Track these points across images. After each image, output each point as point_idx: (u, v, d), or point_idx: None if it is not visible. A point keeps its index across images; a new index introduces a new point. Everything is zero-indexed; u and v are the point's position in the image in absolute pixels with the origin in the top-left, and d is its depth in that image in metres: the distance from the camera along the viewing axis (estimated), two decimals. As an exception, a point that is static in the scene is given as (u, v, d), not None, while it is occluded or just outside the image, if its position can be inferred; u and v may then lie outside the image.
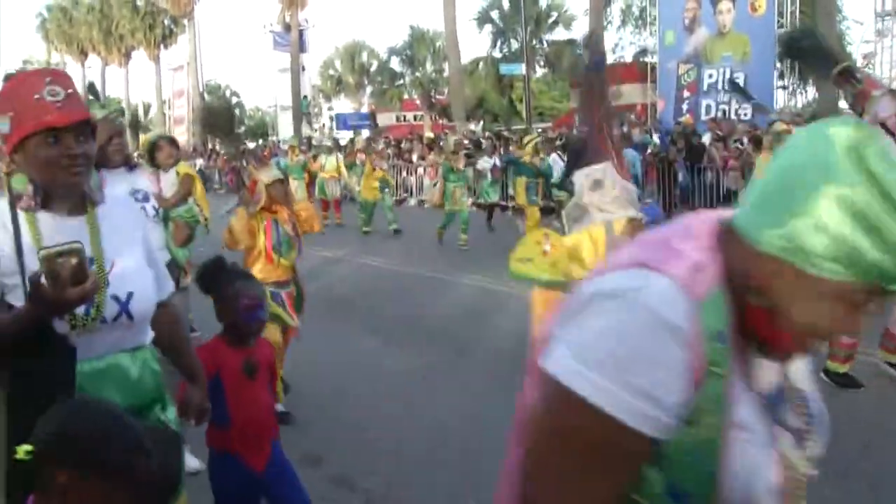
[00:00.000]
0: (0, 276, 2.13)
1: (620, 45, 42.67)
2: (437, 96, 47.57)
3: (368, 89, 52.83)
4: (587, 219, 3.04)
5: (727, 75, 21.91)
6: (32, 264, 2.01)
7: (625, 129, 18.44)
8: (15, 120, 2.12)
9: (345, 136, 35.65)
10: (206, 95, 47.89)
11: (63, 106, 2.12)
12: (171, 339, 2.54)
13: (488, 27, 44.79)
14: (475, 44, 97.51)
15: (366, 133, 38.03)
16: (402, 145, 26.22)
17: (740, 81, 21.20)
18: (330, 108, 52.69)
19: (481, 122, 43.70)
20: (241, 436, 3.05)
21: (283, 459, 3.23)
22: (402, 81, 50.51)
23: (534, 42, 42.38)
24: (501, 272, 10.59)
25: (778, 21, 21.50)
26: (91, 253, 2.16)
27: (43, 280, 1.88)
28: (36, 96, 2.11)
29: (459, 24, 36.73)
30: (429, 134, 31.51)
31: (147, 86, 55.22)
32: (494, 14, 44.47)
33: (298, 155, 19.04)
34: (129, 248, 2.32)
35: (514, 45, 43.64)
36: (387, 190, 16.46)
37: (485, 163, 17.03)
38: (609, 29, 37.32)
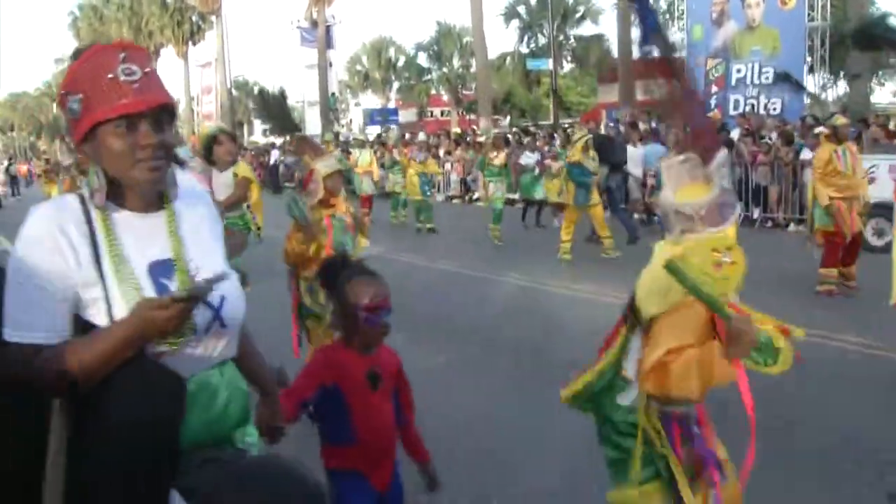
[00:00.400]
0: (78, 287, 1.79)
1: (648, 39, 42.39)
2: (465, 92, 47.60)
3: (395, 85, 52.94)
4: (727, 221, 2.62)
5: (756, 70, 21.70)
6: (113, 270, 1.80)
7: (652, 124, 18.34)
8: (85, 103, 1.79)
9: (372, 132, 35.78)
10: (233, 91, 48.13)
11: (140, 87, 1.79)
12: (243, 347, 2.18)
13: (515, 22, 44.70)
14: (502, 39, 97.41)
15: (394, 129, 38.08)
16: (429, 140, 26.27)
17: (769, 76, 20.97)
18: (357, 104, 52.88)
19: (508, 118, 43.66)
20: (364, 453, 2.78)
21: (400, 479, 2.97)
22: (429, 77, 50.54)
23: (561, 37, 42.26)
24: (532, 269, 10.67)
25: (808, 14, 21.24)
26: (171, 255, 1.90)
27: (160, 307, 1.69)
28: (109, 76, 1.78)
29: (486, 20, 36.69)
30: (456, 129, 31.50)
31: (175, 82, 55.62)
32: (521, 9, 44.35)
33: (333, 150, 18.90)
34: (211, 247, 2.03)
35: (542, 40, 43.54)
36: (428, 191, 16.14)
37: (527, 158, 16.49)
38: (636, 23, 37.03)
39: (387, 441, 2.84)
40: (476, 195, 21.45)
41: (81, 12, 54.37)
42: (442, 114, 50.51)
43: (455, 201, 22.37)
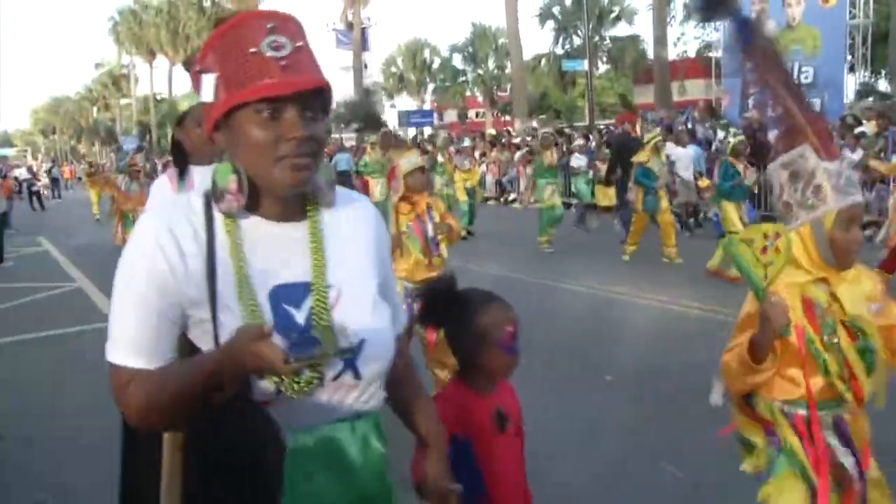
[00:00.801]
0: (185, 303, 1.49)
1: (684, 39, 42.23)
2: (499, 93, 47.58)
3: (430, 87, 53.03)
4: (795, 219, 2.52)
5: (795, 69, 21.44)
6: (227, 289, 1.48)
7: (689, 124, 18.19)
8: (220, 83, 1.47)
9: (408, 134, 35.87)
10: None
11: (288, 65, 1.44)
12: (401, 387, 1.79)
13: (550, 23, 44.58)
14: (537, 40, 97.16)
15: (428, 130, 38.11)
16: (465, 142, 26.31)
17: (808, 76, 20.71)
18: (392, 106, 53.09)
19: (544, 118, 43.60)
20: None
21: None
22: (464, 79, 50.55)
23: (596, 38, 42.05)
24: (568, 271, 10.61)
25: (850, 12, 20.95)
26: (311, 278, 1.54)
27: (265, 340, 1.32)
28: (252, 50, 1.44)
29: (521, 21, 36.63)
30: (491, 131, 31.47)
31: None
32: (556, 10, 44.23)
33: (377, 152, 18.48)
34: (362, 273, 1.64)
35: (577, 41, 43.40)
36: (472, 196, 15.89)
37: (578, 160, 16.30)
38: (672, 24, 36.83)
39: (521, 488, 2.45)
40: (512, 196, 21.42)
41: (121, 17, 55.39)
42: (477, 115, 50.48)
43: (490, 203, 22.35)
